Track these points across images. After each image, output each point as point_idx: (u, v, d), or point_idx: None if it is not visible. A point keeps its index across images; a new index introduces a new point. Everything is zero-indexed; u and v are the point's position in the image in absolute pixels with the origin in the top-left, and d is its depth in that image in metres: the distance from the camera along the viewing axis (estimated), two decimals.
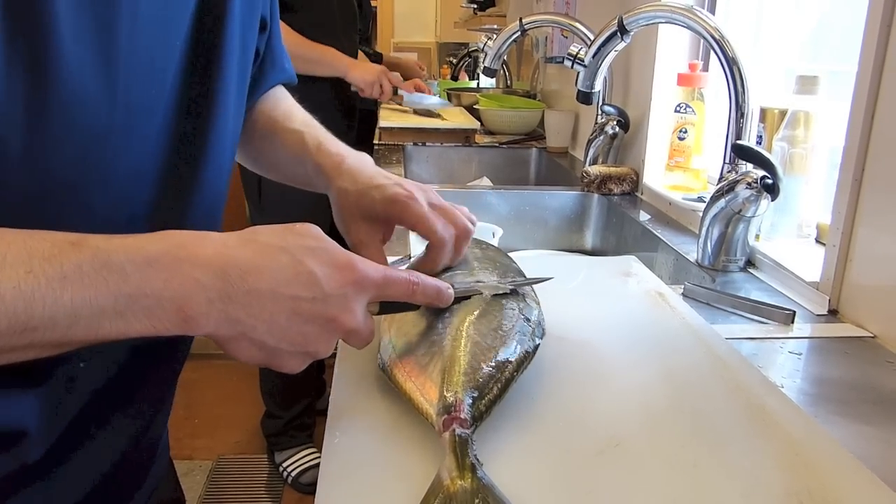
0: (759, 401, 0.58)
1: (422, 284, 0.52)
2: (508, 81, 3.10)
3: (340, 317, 0.46)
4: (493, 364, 0.53)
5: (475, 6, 2.85)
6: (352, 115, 2.08)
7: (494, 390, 0.51)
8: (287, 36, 1.80)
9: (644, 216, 1.30)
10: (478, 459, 0.45)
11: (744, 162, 0.99)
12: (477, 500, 0.42)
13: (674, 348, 0.68)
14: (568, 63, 1.15)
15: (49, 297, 0.38)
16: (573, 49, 1.14)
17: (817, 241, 0.99)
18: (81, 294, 0.39)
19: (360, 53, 2.22)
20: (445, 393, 0.50)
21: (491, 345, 0.54)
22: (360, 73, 1.92)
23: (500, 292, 0.62)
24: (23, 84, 0.41)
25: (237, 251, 0.44)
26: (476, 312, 0.58)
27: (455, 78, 3.40)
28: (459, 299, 0.59)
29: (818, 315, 0.83)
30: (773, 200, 0.90)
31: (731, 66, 0.97)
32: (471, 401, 0.50)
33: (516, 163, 2.09)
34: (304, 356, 0.47)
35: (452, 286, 0.57)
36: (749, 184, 0.91)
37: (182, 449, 2.22)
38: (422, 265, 0.64)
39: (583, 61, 1.14)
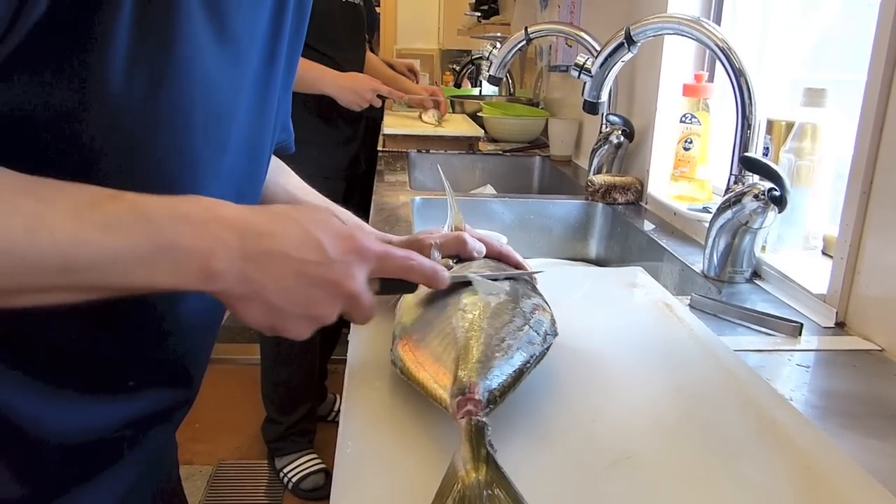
0: (770, 414, 0.58)
1: (418, 262, 0.56)
2: (511, 89, 3.11)
3: (343, 281, 0.49)
4: (508, 354, 0.54)
5: (479, 14, 2.86)
6: (356, 123, 2.07)
7: (508, 377, 0.52)
8: None
9: (648, 226, 1.30)
10: (493, 446, 0.45)
11: (750, 174, 0.99)
12: (491, 492, 0.42)
13: (683, 360, 0.68)
14: (574, 73, 1.16)
15: (93, 241, 0.42)
16: (580, 59, 1.14)
17: (824, 253, 0.99)
18: (121, 241, 0.42)
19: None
20: (460, 373, 0.51)
21: (505, 337, 0.56)
22: (348, 99, 1.88)
23: (494, 279, 0.66)
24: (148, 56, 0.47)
25: (254, 216, 0.47)
26: (490, 309, 0.59)
27: (458, 85, 3.41)
28: (456, 286, 0.62)
29: (825, 327, 0.83)
30: (780, 212, 0.90)
31: (738, 77, 0.98)
32: (485, 383, 0.50)
33: (520, 171, 2.09)
34: (308, 320, 0.49)
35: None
36: (756, 196, 0.91)
37: (183, 453, 2.17)
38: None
39: (589, 71, 1.14)
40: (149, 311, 0.58)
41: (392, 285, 0.57)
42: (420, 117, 2.24)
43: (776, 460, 0.52)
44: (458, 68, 3.36)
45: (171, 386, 0.64)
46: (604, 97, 1.16)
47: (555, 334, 0.61)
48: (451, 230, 0.77)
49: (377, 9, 4.30)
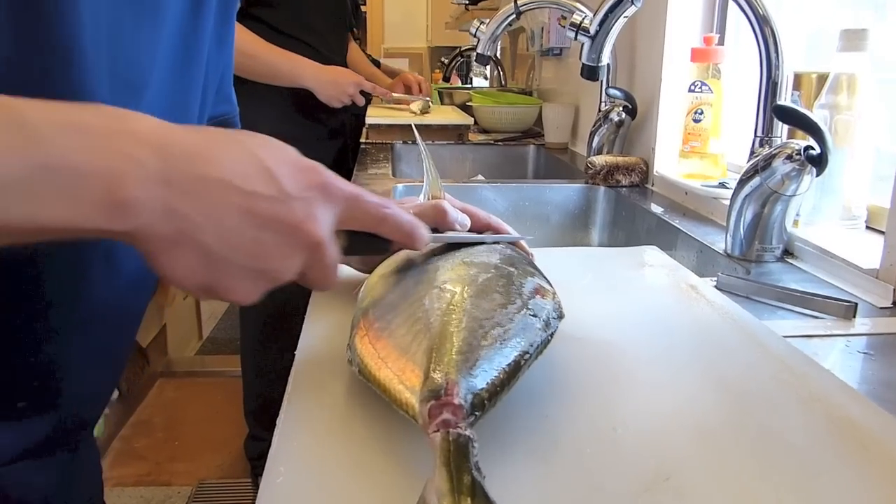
0: (843, 413, 0.45)
1: (394, 213, 0.44)
2: (503, 81, 2.98)
3: (304, 224, 0.38)
4: (499, 342, 0.40)
5: (466, 1, 2.74)
6: (341, 117, 1.94)
7: (500, 374, 0.39)
8: (239, 41, 1.65)
9: (657, 209, 1.17)
10: (480, 470, 0.32)
11: (778, 136, 0.86)
12: None
13: (720, 350, 0.54)
14: (570, 34, 1.02)
15: None
16: (577, 17, 1.01)
17: (868, 227, 0.85)
18: None
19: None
20: (433, 373, 0.37)
21: (496, 321, 0.42)
22: (328, 95, 1.73)
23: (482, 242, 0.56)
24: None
25: (181, 133, 0.36)
26: (476, 286, 0.46)
27: (447, 80, 3.28)
28: (435, 258, 0.51)
29: (881, 308, 0.69)
30: (818, 175, 0.77)
31: (762, 25, 0.84)
32: (468, 381, 0.37)
33: (513, 160, 1.95)
34: (256, 277, 0.38)
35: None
36: (790, 156, 0.77)
37: (160, 474, 2.07)
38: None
39: (587, 31, 1.01)
40: (27, 304, 0.44)
41: (361, 243, 0.44)
42: (407, 106, 2.13)
43: (869, 475, 0.38)
44: (446, 61, 3.24)
45: (72, 403, 0.51)
46: (605, 60, 1.02)
47: (560, 317, 0.47)
48: (428, 199, 0.64)
49: (363, 7, 4.18)
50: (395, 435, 0.40)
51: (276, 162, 0.38)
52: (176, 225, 0.34)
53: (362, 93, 1.82)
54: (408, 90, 2.10)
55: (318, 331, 0.55)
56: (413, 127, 0.73)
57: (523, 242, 0.61)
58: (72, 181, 0.32)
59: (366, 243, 0.45)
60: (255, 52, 1.66)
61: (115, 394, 2.14)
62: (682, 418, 0.44)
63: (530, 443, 0.40)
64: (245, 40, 1.63)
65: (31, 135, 0.31)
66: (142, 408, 2.42)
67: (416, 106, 2.05)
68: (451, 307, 0.43)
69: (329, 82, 1.77)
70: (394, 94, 2.03)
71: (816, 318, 0.67)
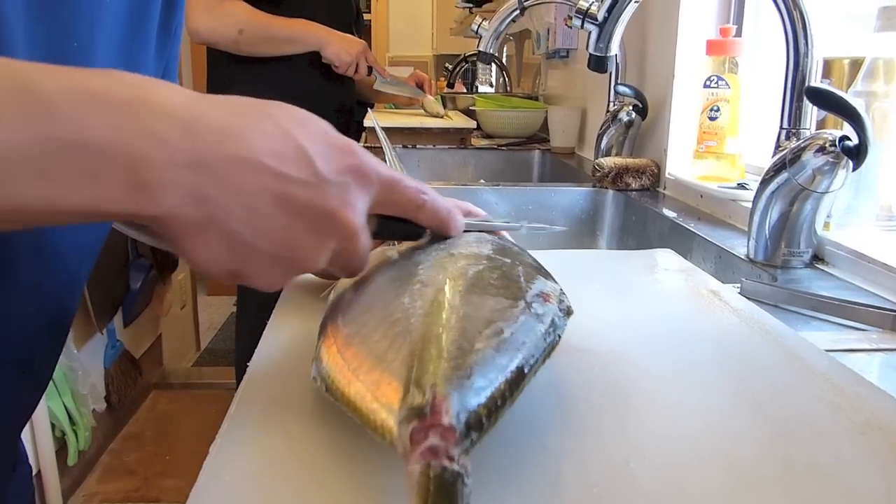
0: None
1: (432, 198, 0.41)
2: (508, 87, 2.91)
3: (340, 211, 0.35)
4: (496, 345, 0.32)
5: (471, 5, 2.68)
6: (345, 116, 1.88)
7: (500, 384, 0.30)
8: (251, 16, 1.62)
9: (670, 213, 1.08)
10: None
11: (807, 127, 0.78)
12: None
13: (752, 366, 0.46)
14: (577, 21, 0.95)
15: None
16: (583, 3, 0.94)
17: None
18: None
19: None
20: (415, 385, 0.29)
21: (491, 319, 0.34)
22: (337, 48, 1.73)
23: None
24: None
25: (209, 107, 0.32)
26: (465, 280, 0.38)
27: (451, 86, 3.22)
28: (434, 238, 0.46)
29: None
30: (856, 168, 0.68)
31: (790, 7, 0.76)
32: (461, 396, 0.28)
33: (518, 165, 1.88)
34: (284, 266, 0.35)
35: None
36: (822, 148, 0.69)
37: (149, 490, 1.99)
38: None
39: (595, 18, 0.93)
40: None
41: (392, 227, 0.42)
42: (423, 107, 2.09)
43: None
44: (450, 67, 3.17)
45: None
46: (613, 50, 0.94)
47: (567, 314, 0.39)
48: None
49: (366, 15, 4.13)
50: (363, 472, 0.32)
51: (311, 140, 0.34)
52: (204, 211, 0.31)
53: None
54: (419, 86, 2.08)
55: (279, 341, 0.47)
56: (377, 126, 0.67)
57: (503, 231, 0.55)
58: (89, 160, 0.28)
59: (398, 228, 0.41)
60: (267, 23, 1.66)
61: (104, 405, 2.06)
62: (710, 449, 0.36)
63: (525, 482, 0.32)
64: (256, 12, 1.63)
65: (43, 105, 0.27)
66: (133, 420, 2.34)
67: (430, 105, 2.01)
68: (437, 304, 0.35)
69: (339, 37, 1.76)
70: (392, 74, 1.98)
71: (858, 329, 0.59)
